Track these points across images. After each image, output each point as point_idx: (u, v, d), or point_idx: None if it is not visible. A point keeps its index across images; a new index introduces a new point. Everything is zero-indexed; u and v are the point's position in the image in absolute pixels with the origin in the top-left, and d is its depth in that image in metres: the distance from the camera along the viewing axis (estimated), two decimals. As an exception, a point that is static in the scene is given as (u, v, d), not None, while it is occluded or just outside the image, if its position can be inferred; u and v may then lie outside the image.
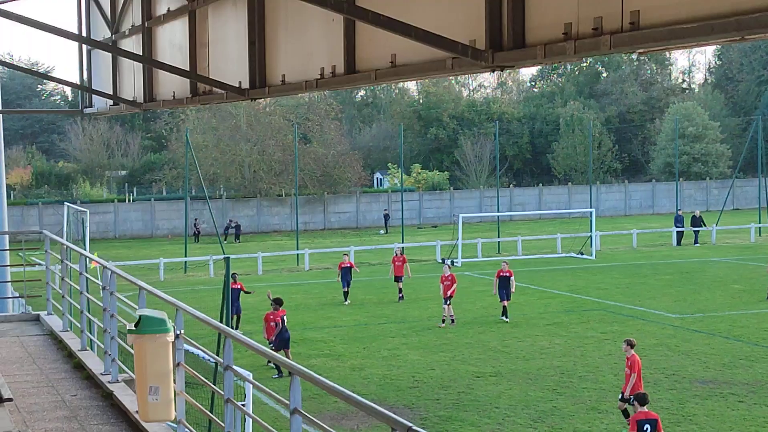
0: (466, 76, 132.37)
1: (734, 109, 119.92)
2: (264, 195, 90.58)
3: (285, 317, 31.07)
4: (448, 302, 37.15)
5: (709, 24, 6.57)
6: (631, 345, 23.04)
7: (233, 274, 39.24)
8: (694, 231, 66.57)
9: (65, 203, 53.10)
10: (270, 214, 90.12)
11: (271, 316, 30.88)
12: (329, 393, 7.85)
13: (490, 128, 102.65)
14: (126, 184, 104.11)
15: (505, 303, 37.71)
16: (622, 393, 23.11)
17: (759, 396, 25.80)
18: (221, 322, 19.17)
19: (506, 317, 37.51)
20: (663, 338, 33.51)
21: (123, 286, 16.75)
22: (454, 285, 37.40)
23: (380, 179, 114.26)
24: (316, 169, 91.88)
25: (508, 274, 37.76)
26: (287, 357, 29.95)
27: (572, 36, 7.14)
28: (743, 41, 6.28)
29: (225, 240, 76.66)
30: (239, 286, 37.07)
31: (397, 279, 44.18)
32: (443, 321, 37.12)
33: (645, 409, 19.49)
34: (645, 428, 19.15)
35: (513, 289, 38.21)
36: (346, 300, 43.24)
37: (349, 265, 43.69)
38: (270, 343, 30.60)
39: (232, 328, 36.79)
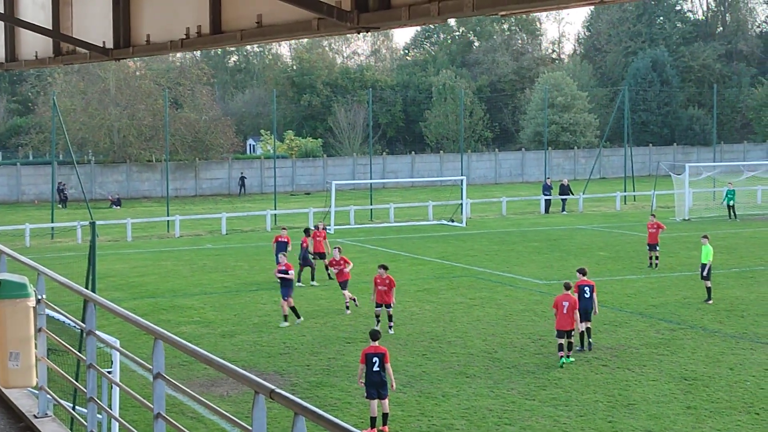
0: (340, 42, 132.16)
1: (602, 79, 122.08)
2: (134, 160, 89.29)
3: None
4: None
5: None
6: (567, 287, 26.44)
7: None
8: (562, 199, 67.76)
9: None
10: (140, 180, 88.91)
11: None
12: (194, 358, 7.77)
13: (364, 96, 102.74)
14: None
15: None
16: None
17: (621, 360, 26.40)
18: (86, 287, 18.84)
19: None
20: (530, 304, 34.03)
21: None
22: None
23: (253, 146, 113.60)
24: (188, 134, 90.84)
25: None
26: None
27: (436, -3, 7.13)
28: (602, 4, 6.35)
29: (118, 207, 76.66)
30: (286, 239, 38.84)
31: (320, 256, 39.15)
32: None
33: (376, 344, 20.90)
34: (374, 360, 20.57)
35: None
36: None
37: (285, 239, 38.72)
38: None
39: (302, 278, 37.99)
